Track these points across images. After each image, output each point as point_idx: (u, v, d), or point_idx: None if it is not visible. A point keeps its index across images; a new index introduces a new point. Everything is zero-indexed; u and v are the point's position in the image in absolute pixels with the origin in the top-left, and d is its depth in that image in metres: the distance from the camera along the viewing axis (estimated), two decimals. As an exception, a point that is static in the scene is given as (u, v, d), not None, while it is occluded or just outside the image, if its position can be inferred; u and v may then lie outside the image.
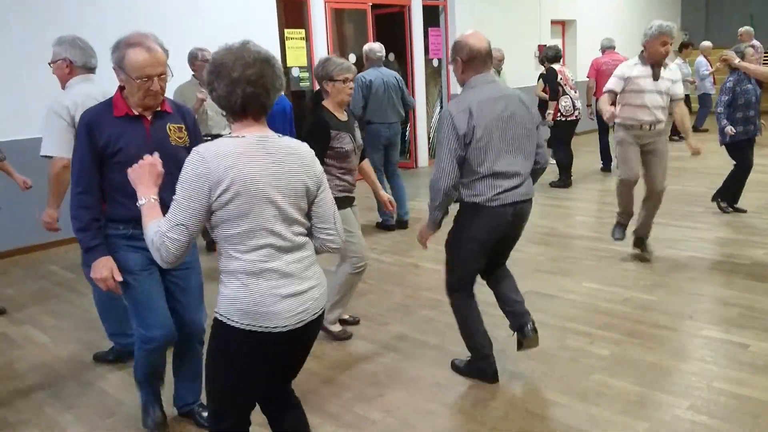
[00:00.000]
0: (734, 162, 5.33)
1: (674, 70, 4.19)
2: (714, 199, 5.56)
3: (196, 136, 2.42)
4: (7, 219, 4.65)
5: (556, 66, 6.96)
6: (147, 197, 1.77)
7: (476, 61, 2.56)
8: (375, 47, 5.57)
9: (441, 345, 3.27)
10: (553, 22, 10.77)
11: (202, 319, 2.54)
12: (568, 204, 6.35)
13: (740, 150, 5.21)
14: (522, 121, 2.60)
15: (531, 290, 3.80)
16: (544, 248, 4.83)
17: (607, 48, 7.77)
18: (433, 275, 4.32)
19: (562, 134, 7.02)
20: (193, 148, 1.68)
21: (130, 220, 2.24)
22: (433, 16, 8.97)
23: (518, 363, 3.02)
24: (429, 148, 9.16)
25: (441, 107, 9.41)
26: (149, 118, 2.29)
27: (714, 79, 9.83)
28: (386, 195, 3.48)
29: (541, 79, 7.14)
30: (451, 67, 2.70)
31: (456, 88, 9.18)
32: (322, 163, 2.58)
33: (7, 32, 5.31)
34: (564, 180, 7.08)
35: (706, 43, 10.00)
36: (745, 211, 5.42)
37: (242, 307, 1.66)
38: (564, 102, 6.91)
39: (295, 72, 7.45)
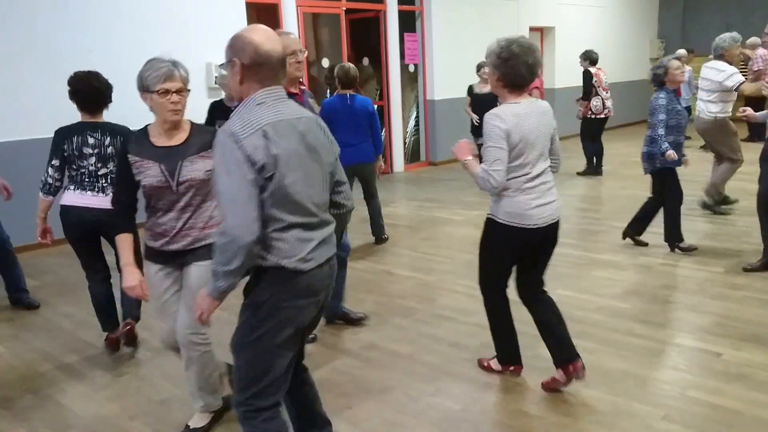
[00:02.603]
0: (655, 193, 4.65)
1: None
2: (672, 244, 4.70)
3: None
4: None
5: (592, 69, 7.75)
6: (470, 157, 2.58)
7: (263, 68, 1.79)
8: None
9: (413, 355, 3.18)
10: (532, 29, 10.82)
11: None
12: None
13: (673, 177, 4.55)
14: (324, 152, 1.88)
15: (505, 298, 3.74)
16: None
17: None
18: (406, 282, 4.23)
19: (591, 129, 7.91)
20: (492, 113, 2.51)
21: None
22: (409, 21, 8.94)
23: (490, 374, 2.95)
24: (405, 154, 9.12)
25: (417, 113, 9.39)
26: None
27: (691, 87, 9.88)
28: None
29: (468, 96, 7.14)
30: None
31: (432, 93, 9.19)
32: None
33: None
34: (595, 169, 7.96)
35: (681, 52, 10.09)
36: (646, 245, 4.84)
37: (508, 210, 2.53)
38: (595, 102, 7.74)
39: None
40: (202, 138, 2.39)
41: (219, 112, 3.92)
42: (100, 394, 2.93)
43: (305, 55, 2.91)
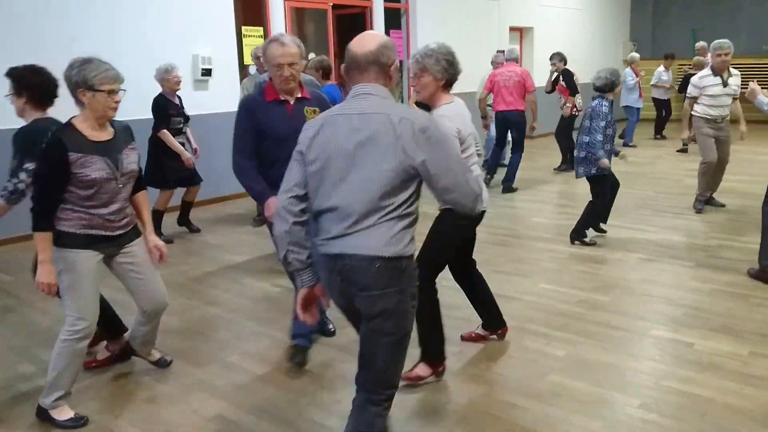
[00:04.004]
0: (595, 195, 4.85)
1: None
2: (575, 238, 4.97)
3: None
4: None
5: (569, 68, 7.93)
6: None
7: (350, 68, 1.93)
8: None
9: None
10: (512, 29, 10.98)
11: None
12: (525, 206, 6.47)
13: (605, 183, 4.76)
14: (381, 151, 1.80)
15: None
16: (503, 249, 4.90)
17: (508, 59, 7.38)
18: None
19: (570, 127, 8.01)
20: (439, 115, 2.57)
21: None
22: (394, 18, 9.00)
23: (476, 365, 3.04)
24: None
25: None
26: (291, 102, 2.85)
27: (641, 92, 9.92)
28: (154, 240, 2.75)
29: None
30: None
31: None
32: (65, 192, 2.40)
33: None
34: (571, 165, 7.84)
35: (635, 55, 10.09)
36: (605, 232, 5.12)
37: None
38: (578, 99, 7.87)
39: (252, 70, 7.32)
40: (124, 133, 2.64)
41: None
42: (82, 393, 2.86)
43: (300, 66, 2.85)
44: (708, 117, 5.61)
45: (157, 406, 2.78)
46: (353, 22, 8.65)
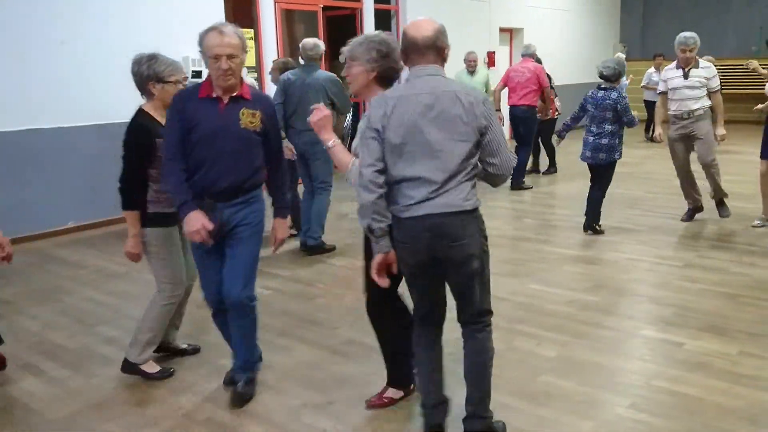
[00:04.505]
0: (602, 181, 5.22)
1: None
2: (591, 227, 5.27)
3: (273, 122, 2.70)
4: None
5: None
6: (333, 140, 2.31)
7: (411, 52, 2.19)
8: (307, 44, 4.85)
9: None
10: (502, 30, 11.03)
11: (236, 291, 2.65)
12: (515, 206, 6.49)
13: (613, 170, 5.21)
14: (453, 123, 2.12)
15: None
16: (492, 250, 4.80)
17: (524, 55, 7.41)
18: (383, 279, 4.30)
19: (552, 129, 7.49)
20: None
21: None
22: (384, 20, 9.00)
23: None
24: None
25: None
26: (225, 100, 2.55)
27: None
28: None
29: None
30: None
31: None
32: (145, 174, 2.74)
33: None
34: (553, 167, 7.98)
35: (620, 55, 10.10)
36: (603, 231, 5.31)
37: None
38: (558, 101, 7.67)
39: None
40: None
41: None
42: (72, 398, 2.85)
43: (242, 60, 2.52)
44: (672, 112, 5.28)
45: (146, 408, 2.76)
46: (343, 23, 8.64)
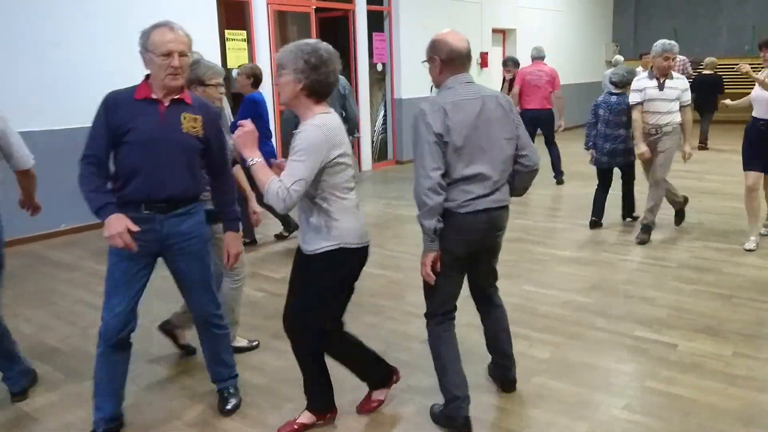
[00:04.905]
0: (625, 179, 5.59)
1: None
2: (630, 215, 5.69)
3: (217, 131, 2.53)
4: None
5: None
6: (256, 157, 2.21)
7: (455, 61, 2.38)
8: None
9: (384, 352, 3.21)
10: (495, 31, 11.04)
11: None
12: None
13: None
14: (500, 124, 2.41)
15: (474, 294, 3.84)
16: (487, 252, 4.89)
17: (535, 58, 7.58)
18: (377, 280, 4.29)
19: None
20: (310, 122, 2.18)
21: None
22: (377, 21, 9.00)
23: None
24: (372, 152, 9.17)
25: (385, 112, 9.45)
26: (166, 103, 2.38)
27: None
28: (257, 208, 3.19)
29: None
30: (426, 66, 2.46)
31: (400, 92, 9.28)
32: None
33: None
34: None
35: (619, 58, 10.13)
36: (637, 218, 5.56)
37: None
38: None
39: (235, 74, 7.27)
40: None
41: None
42: (67, 401, 2.84)
43: (189, 60, 2.41)
44: (645, 124, 4.89)
45: (139, 411, 2.74)
46: (336, 25, 8.63)
